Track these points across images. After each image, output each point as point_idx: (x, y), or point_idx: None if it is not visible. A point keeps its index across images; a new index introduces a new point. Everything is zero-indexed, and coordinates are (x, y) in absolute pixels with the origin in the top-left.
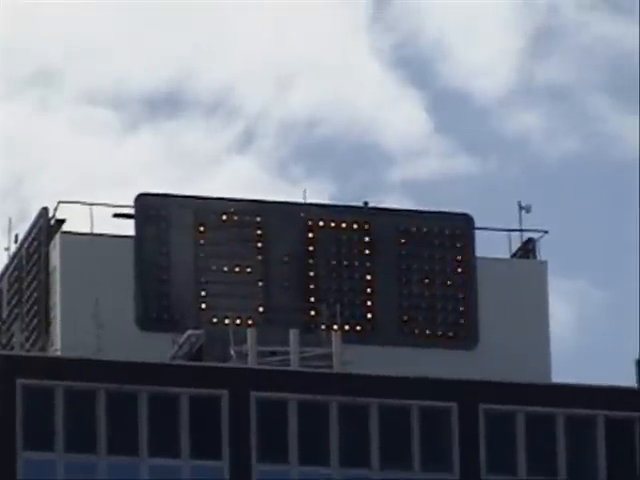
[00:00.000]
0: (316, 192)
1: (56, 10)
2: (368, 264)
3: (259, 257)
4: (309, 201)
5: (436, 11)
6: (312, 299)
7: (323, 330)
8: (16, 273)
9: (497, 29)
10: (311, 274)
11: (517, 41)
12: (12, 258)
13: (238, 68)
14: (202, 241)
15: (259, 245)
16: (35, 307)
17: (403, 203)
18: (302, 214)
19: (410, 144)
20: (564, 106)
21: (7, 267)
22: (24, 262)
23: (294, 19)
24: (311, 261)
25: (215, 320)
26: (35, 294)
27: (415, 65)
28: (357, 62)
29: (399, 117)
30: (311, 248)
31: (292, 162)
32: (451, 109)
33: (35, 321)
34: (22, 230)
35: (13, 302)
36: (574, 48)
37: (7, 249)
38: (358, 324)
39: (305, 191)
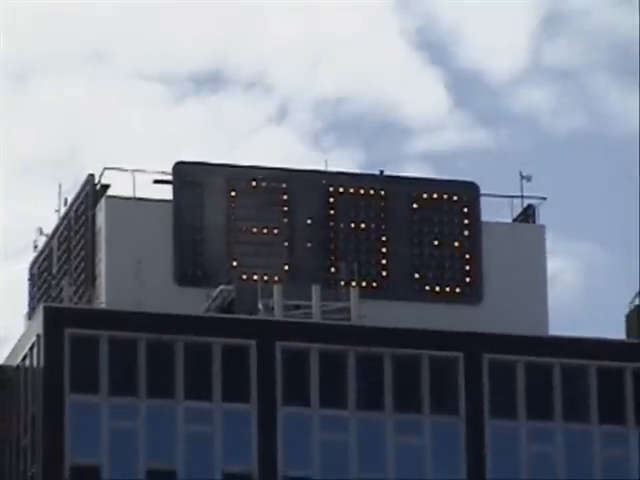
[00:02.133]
0: (344, 161)
1: None
2: (383, 227)
3: (285, 220)
4: (330, 169)
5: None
6: (332, 258)
7: (342, 286)
8: (65, 233)
9: (509, 14)
10: (331, 235)
11: (527, 25)
12: (62, 220)
13: (274, 48)
14: (233, 205)
15: (285, 209)
16: (82, 264)
17: (422, 172)
18: (324, 181)
19: (430, 119)
20: (570, 85)
21: (57, 228)
22: (72, 223)
23: (324, 3)
24: (331, 224)
25: (244, 277)
26: (82, 252)
27: (435, 47)
28: (383, 44)
29: (421, 94)
30: (332, 212)
31: (323, 134)
32: (467, 87)
33: (82, 276)
34: (72, 194)
35: (62, 259)
36: (580, 32)
37: (57, 211)
38: (374, 281)
39: (326, 161)
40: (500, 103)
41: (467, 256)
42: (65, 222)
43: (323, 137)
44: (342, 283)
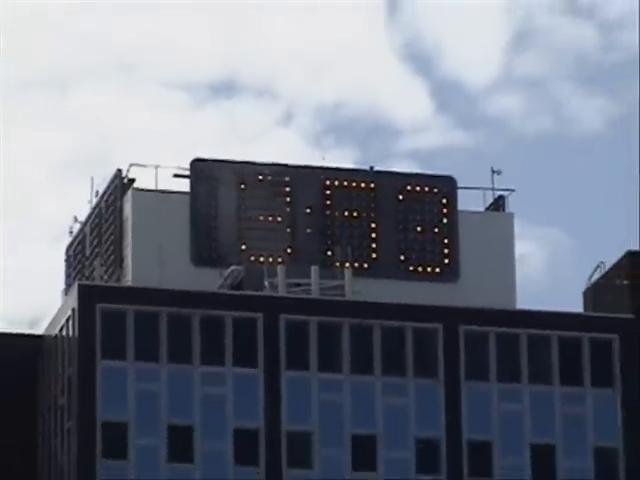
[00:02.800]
0: (341, 158)
1: (131, 13)
2: (373, 215)
3: (287, 209)
4: (328, 165)
5: (436, 15)
6: (329, 242)
7: (337, 267)
8: (97, 221)
9: (484, 31)
10: (328, 223)
11: (500, 41)
12: (94, 209)
13: (280, 60)
14: (243, 196)
15: (287, 199)
16: (111, 247)
17: (407, 167)
18: (322, 176)
19: (416, 122)
20: (537, 92)
21: (90, 216)
22: (103, 212)
23: (322, 19)
24: (328, 212)
25: (252, 258)
26: (111, 237)
27: (421, 59)
28: (375, 57)
29: (408, 100)
30: (328, 202)
31: (323, 135)
32: (448, 94)
33: (111, 258)
34: (102, 187)
35: (94, 243)
36: (546, 46)
37: (90, 202)
38: (365, 262)
39: (324, 158)
40: (477, 108)
41: (445, 240)
42: (96, 211)
43: (323, 137)
44: (337, 264)
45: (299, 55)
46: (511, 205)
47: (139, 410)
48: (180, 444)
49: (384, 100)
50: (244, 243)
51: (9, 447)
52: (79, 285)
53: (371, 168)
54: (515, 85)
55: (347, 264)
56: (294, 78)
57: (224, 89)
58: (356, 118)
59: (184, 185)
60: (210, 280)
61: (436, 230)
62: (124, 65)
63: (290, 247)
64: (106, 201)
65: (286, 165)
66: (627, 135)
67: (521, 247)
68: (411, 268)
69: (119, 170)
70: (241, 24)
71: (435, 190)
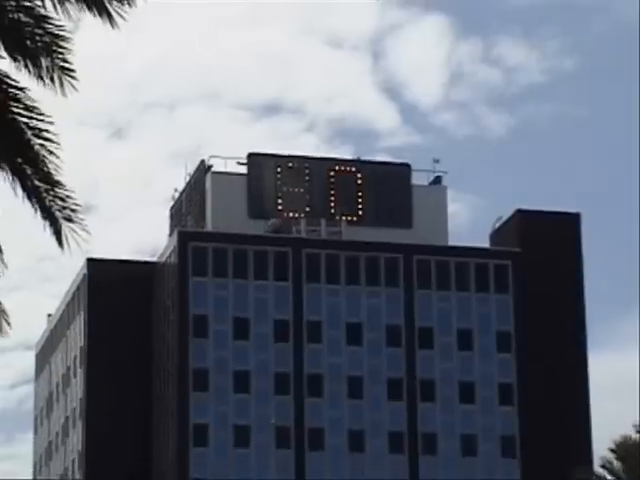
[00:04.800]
0: (342, 153)
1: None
2: (360, 193)
3: (306, 184)
4: (333, 157)
5: (401, 63)
6: (332, 205)
7: (337, 219)
8: (188, 191)
9: (430, 73)
10: (332, 192)
11: (442, 79)
12: (187, 184)
13: (306, 91)
14: (279, 176)
15: (306, 179)
16: (197, 207)
17: (384, 158)
18: (329, 165)
19: (389, 129)
20: (465, 112)
21: (185, 188)
22: (192, 186)
23: (333, 65)
24: (332, 186)
25: (285, 214)
26: (198, 201)
27: (393, 90)
28: (363, 89)
29: (384, 116)
30: (332, 180)
31: (333, 138)
32: (410, 112)
33: (197, 214)
34: (192, 169)
35: (187, 205)
36: (470, 82)
37: (185, 179)
38: (354, 217)
39: (328, 153)
40: (427, 121)
41: (405, 205)
42: (189, 185)
43: (333, 140)
44: (337, 218)
45: (317, 88)
46: (444, 181)
47: (215, 307)
48: (241, 330)
49: (369, 115)
50: (280, 205)
51: (131, 335)
52: (178, 231)
53: (358, 158)
54: (451, 106)
55: (343, 218)
56: (315, 103)
57: (271, 108)
58: (352, 127)
59: (243, 169)
60: (259, 227)
61: (399, 197)
62: (209, 92)
63: (308, 207)
64: (195, 179)
65: (307, 157)
66: (526, 141)
67: (451, 207)
68: (384, 220)
69: (202, 160)
70: (281, 66)
71: (395, 172)
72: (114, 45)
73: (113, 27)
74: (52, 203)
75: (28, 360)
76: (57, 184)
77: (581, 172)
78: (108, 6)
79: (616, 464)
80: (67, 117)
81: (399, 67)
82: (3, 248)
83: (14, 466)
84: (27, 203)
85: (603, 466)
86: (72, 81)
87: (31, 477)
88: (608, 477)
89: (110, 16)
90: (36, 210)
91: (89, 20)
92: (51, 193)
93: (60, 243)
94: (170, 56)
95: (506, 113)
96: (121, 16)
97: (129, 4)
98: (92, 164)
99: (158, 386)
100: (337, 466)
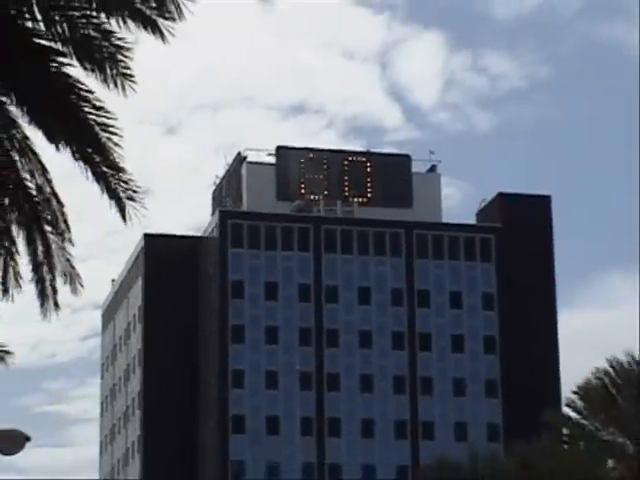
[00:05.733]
0: (355, 146)
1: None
2: (369, 179)
3: (324, 172)
4: (346, 149)
5: (404, 73)
6: (346, 189)
7: (350, 201)
8: (227, 178)
9: (428, 82)
10: (346, 178)
11: (437, 86)
12: (226, 172)
13: (327, 95)
14: (303, 166)
15: (324, 167)
16: (235, 191)
17: (390, 150)
18: (341, 155)
19: (395, 126)
20: (457, 112)
21: (224, 175)
22: (231, 174)
23: (348, 74)
24: (346, 178)
25: (307, 197)
26: (235, 186)
27: (397, 94)
28: (372, 91)
29: (391, 115)
30: (346, 168)
31: (348, 133)
32: (411, 112)
33: (235, 196)
34: (230, 160)
35: (226, 189)
36: (461, 87)
37: (224, 168)
38: (364, 198)
39: (343, 146)
40: (426, 119)
41: (406, 189)
42: (228, 173)
43: (348, 135)
44: (350, 199)
45: (335, 92)
46: (439, 169)
47: (250, 274)
48: (271, 292)
49: (378, 115)
50: (303, 189)
51: (180, 297)
52: (219, 211)
53: (367, 150)
54: (445, 107)
55: (355, 200)
56: (333, 104)
57: (297, 109)
58: (363, 124)
59: (273, 160)
60: (286, 208)
61: (401, 182)
62: (246, 96)
63: (326, 190)
64: (232, 168)
65: (324, 149)
66: (508, 136)
67: (445, 191)
68: (389, 201)
69: (239, 152)
70: (306, 74)
71: (399, 162)
72: (168, 57)
73: (164, 42)
74: (117, 186)
75: (96, 317)
76: (121, 170)
77: (552, 162)
78: (160, 25)
79: (579, 403)
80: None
81: (402, 75)
82: (77, 225)
83: (86, 404)
84: (96, 186)
85: (568, 405)
86: (132, 85)
87: (99, 413)
88: (572, 414)
89: (162, 33)
90: (103, 192)
91: (147, 36)
92: (116, 177)
93: (124, 219)
94: (213, 67)
95: (491, 113)
96: (171, 33)
97: (177, 20)
98: (149, 155)
99: (202, 339)
100: (350, 404)
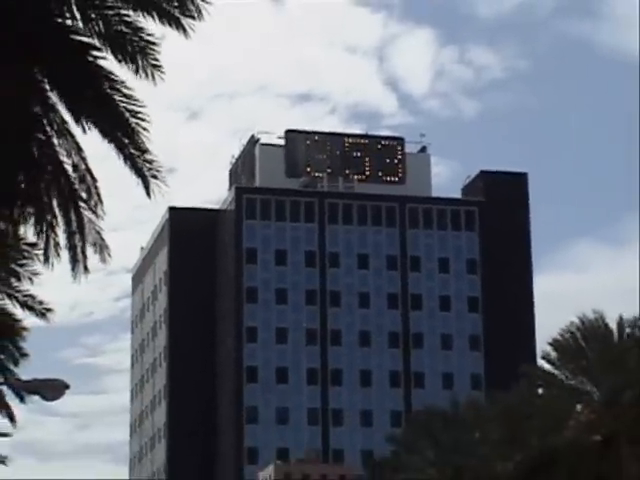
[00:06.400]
0: (356, 129)
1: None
2: (367, 158)
3: (328, 152)
4: (346, 132)
5: (400, 66)
6: (347, 167)
7: (350, 178)
8: (242, 159)
9: (421, 75)
10: (345, 159)
11: (428, 78)
12: (241, 153)
13: (331, 85)
14: (308, 148)
15: (328, 148)
16: (249, 169)
17: (386, 133)
18: (343, 138)
19: (391, 113)
20: (446, 99)
21: (240, 155)
22: (245, 155)
23: (349, 69)
24: (346, 154)
25: (312, 174)
26: (249, 165)
27: (393, 84)
28: (372, 82)
29: (388, 103)
30: (347, 149)
31: (350, 119)
32: (405, 100)
33: (248, 174)
34: (245, 142)
35: (242, 169)
36: (449, 79)
37: (239, 148)
38: (363, 176)
39: (345, 129)
40: (417, 106)
41: (399, 167)
42: (243, 154)
43: (349, 120)
44: (350, 177)
45: (338, 83)
46: (429, 150)
47: (262, 242)
48: (280, 258)
49: (376, 102)
50: (308, 167)
51: (201, 263)
52: (235, 187)
53: (366, 133)
54: (435, 96)
55: (355, 177)
56: (336, 93)
57: (304, 97)
58: (363, 111)
59: (282, 142)
60: (294, 184)
61: (395, 161)
62: (259, 85)
63: (329, 168)
64: (247, 149)
65: (328, 132)
66: (490, 121)
67: (434, 169)
68: (384, 178)
69: (253, 135)
70: (312, 67)
71: (393, 143)
72: (191, 51)
73: (186, 37)
74: (142, 165)
75: (127, 281)
76: (146, 151)
77: (529, 144)
78: (182, 22)
79: (552, 355)
80: (156, 104)
81: (398, 67)
82: (110, 199)
83: (118, 357)
84: (126, 166)
85: (543, 357)
86: (160, 74)
87: (129, 364)
88: (546, 365)
89: (184, 29)
90: (131, 170)
91: (172, 33)
92: (142, 158)
93: (148, 194)
94: (231, 60)
95: (476, 100)
96: (192, 29)
97: (197, 19)
98: (175, 138)
99: (220, 299)
100: (350, 357)
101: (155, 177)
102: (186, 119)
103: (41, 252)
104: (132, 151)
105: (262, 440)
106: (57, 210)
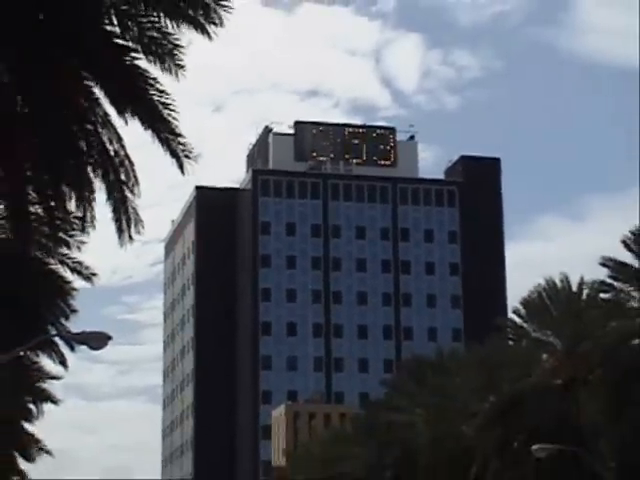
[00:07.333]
0: (356, 120)
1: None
2: (364, 145)
3: (331, 140)
4: (349, 122)
5: (392, 66)
6: (347, 153)
7: (350, 162)
8: (258, 145)
9: (410, 73)
10: (345, 145)
11: (418, 74)
12: (257, 140)
13: (335, 82)
14: (315, 137)
15: (331, 136)
16: (263, 154)
17: (381, 123)
18: (344, 128)
19: (386, 106)
20: (433, 94)
21: (256, 143)
22: (260, 142)
23: (350, 68)
24: (347, 144)
25: (318, 159)
26: (262, 150)
27: (387, 81)
28: (370, 80)
29: (383, 97)
30: (347, 137)
31: (349, 111)
32: (397, 95)
33: (263, 157)
34: (260, 130)
35: (258, 152)
36: (435, 76)
37: (256, 136)
38: (360, 159)
39: (346, 120)
40: (407, 101)
41: (392, 152)
42: (258, 142)
43: (350, 112)
44: (350, 161)
45: (340, 80)
46: (417, 138)
47: (274, 216)
48: (290, 230)
49: (372, 98)
50: (314, 153)
51: (223, 234)
52: (252, 169)
53: (364, 125)
54: (423, 92)
55: (354, 161)
56: (339, 90)
57: (312, 93)
58: (362, 104)
59: (292, 131)
60: (302, 167)
61: (388, 148)
62: (273, 83)
63: (332, 154)
64: (262, 137)
65: (331, 123)
66: (470, 114)
67: (421, 154)
68: (379, 162)
69: (267, 125)
70: (318, 67)
71: (387, 132)
72: (216, 54)
73: (210, 40)
74: (176, 147)
75: (160, 249)
76: (179, 135)
77: (502, 133)
78: (206, 27)
79: (522, 311)
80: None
81: (391, 67)
82: (148, 180)
83: (153, 314)
84: (162, 150)
85: (514, 312)
86: (183, 72)
87: (162, 320)
88: (516, 319)
89: (208, 33)
90: (166, 152)
91: (199, 37)
92: (175, 141)
93: (182, 172)
94: (249, 60)
95: (457, 96)
96: (215, 34)
97: (219, 25)
98: (201, 127)
99: (239, 264)
100: (350, 314)
101: (187, 157)
102: (211, 112)
103: (87, 224)
104: (167, 135)
105: (275, 384)
106: (104, 189)
